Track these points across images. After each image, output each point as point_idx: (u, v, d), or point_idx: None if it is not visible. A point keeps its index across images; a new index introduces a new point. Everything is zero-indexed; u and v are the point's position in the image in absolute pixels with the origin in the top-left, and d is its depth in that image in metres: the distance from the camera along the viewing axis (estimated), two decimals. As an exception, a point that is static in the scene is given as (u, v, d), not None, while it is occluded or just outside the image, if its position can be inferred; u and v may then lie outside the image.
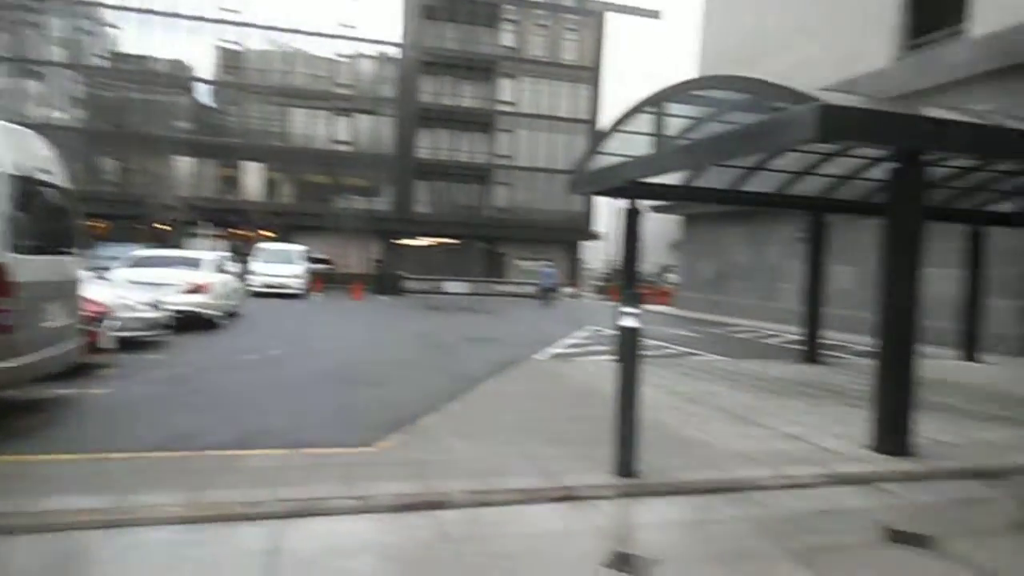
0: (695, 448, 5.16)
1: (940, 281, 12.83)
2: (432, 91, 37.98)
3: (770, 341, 14.84)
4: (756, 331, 17.06)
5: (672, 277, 31.53)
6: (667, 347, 12.72)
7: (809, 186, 9.69)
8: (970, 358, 11.45)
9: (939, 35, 14.50)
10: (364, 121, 37.13)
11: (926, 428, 5.70)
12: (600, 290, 37.12)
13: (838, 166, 8.91)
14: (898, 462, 4.92)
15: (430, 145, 38.08)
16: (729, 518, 3.82)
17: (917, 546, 3.49)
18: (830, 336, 11.76)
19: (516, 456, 4.75)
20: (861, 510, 3.98)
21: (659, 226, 36.39)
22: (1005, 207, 10.79)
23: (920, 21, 15.12)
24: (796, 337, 11.23)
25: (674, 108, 7.36)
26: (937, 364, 10.72)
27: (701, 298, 23.24)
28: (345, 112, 36.77)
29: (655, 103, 7.22)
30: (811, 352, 10.68)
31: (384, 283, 29.31)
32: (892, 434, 5.17)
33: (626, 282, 9.50)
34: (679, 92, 6.76)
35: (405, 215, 37.23)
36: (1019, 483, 4.67)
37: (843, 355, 11.77)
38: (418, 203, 37.96)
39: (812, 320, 10.80)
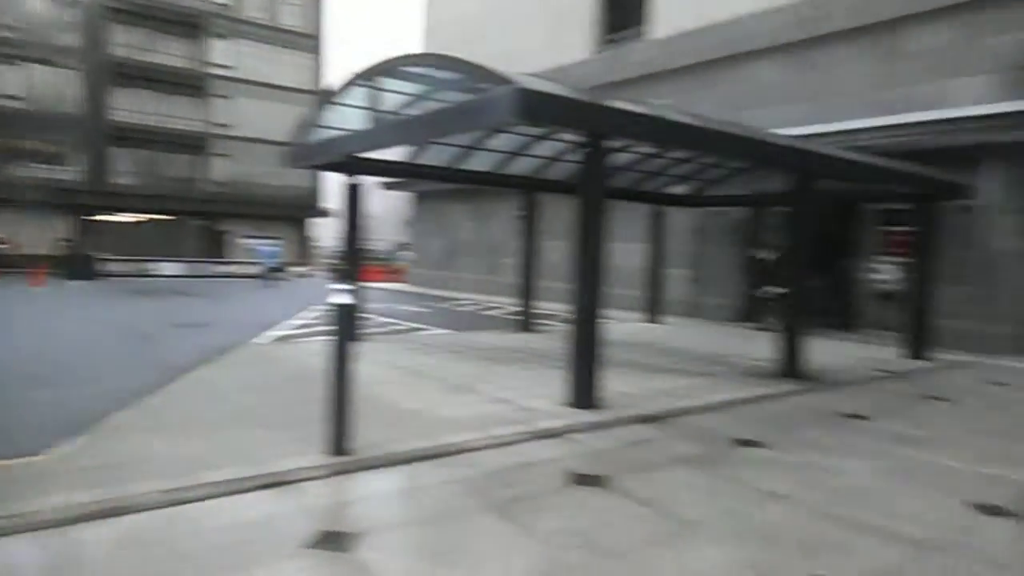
0: (412, 419, 5.26)
1: (630, 254, 14.72)
2: (127, 44, 33.29)
3: (492, 313, 15.76)
4: (481, 304, 17.99)
5: (407, 254, 31.92)
6: (395, 323, 12.83)
7: (523, 166, 10.39)
8: (653, 320, 13.31)
9: (628, 33, 16.38)
10: (39, 73, 31.34)
11: (613, 383, 6.49)
12: (332, 268, 36.19)
13: (546, 148, 9.68)
14: (588, 414, 5.52)
15: (130, 107, 33.50)
16: (438, 482, 3.96)
17: (595, 486, 3.96)
18: (545, 307, 12.82)
19: (222, 447, 4.41)
20: (553, 460, 4.40)
21: (396, 203, 36.53)
22: (680, 189, 12.65)
23: (614, 19, 16.93)
24: (515, 309, 12.06)
25: (392, 84, 7.33)
26: (627, 326, 12.29)
27: (432, 274, 23.85)
28: (9, 60, 30.63)
29: (369, 77, 7.13)
30: (526, 322, 11.56)
31: (76, 266, 25.33)
32: (584, 390, 5.79)
33: (347, 259, 9.33)
34: (392, 68, 6.75)
35: (101, 187, 32.41)
36: (679, 424, 5.52)
37: (554, 323, 12.90)
38: (118, 174, 33.29)
39: (527, 292, 11.66)
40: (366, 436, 4.44)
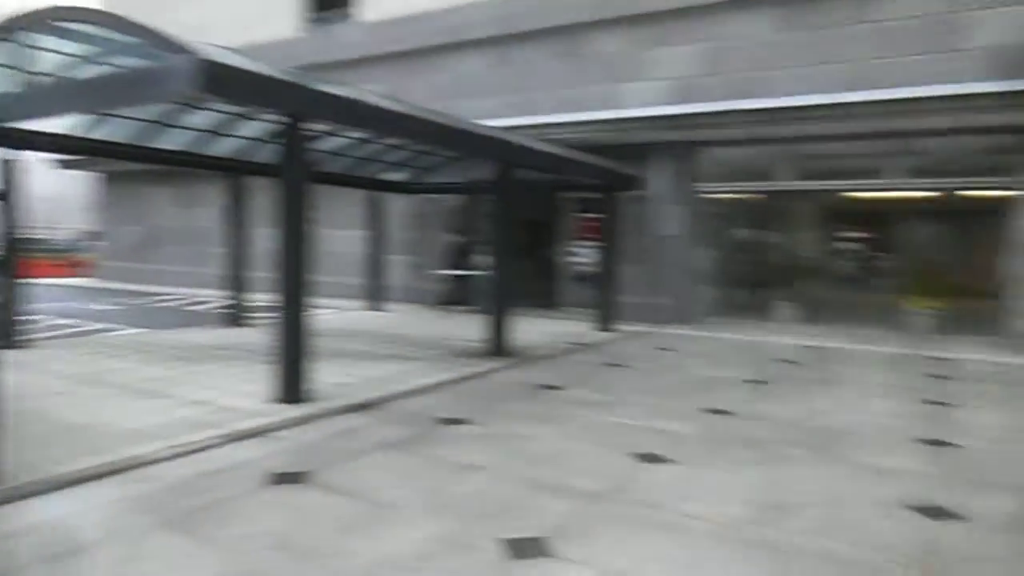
0: (84, 434, 4.54)
1: (350, 241, 14.50)
2: None
3: (198, 308, 14.40)
4: (186, 299, 16.35)
5: (96, 244, 27.71)
6: (76, 324, 11.08)
7: (227, 147, 9.57)
8: (376, 308, 13.27)
9: (338, 13, 15.93)
10: None
11: (327, 373, 6.31)
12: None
13: (252, 129, 9.02)
14: (295, 409, 5.28)
15: None
16: (107, 503, 3.46)
17: (295, 483, 3.78)
18: (259, 299, 12.04)
19: None
20: (250, 462, 4.11)
21: (79, 185, 31.43)
22: (397, 176, 12.69)
23: (321, -4, 16.31)
24: (225, 302, 11.14)
25: (48, 41, 6.20)
26: (347, 315, 12.11)
27: (128, 267, 21.06)
28: None
29: (11, 30, 5.93)
30: (236, 316, 10.76)
31: None
32: (292, 384, 5.53)
33: (3, 250, 7.79)
34: (43, 22, 5.69)
35: None
36: (390, 409, 5.54)
37: (268, 316, 12.19)
38: None
39: (237, 284, 10.85)
40: (21, 459, 3.74)
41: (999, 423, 5.56)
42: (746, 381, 7.02)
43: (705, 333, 10.74)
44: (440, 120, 7.14)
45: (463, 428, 5.00)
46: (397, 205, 14.07)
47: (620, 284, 11.35)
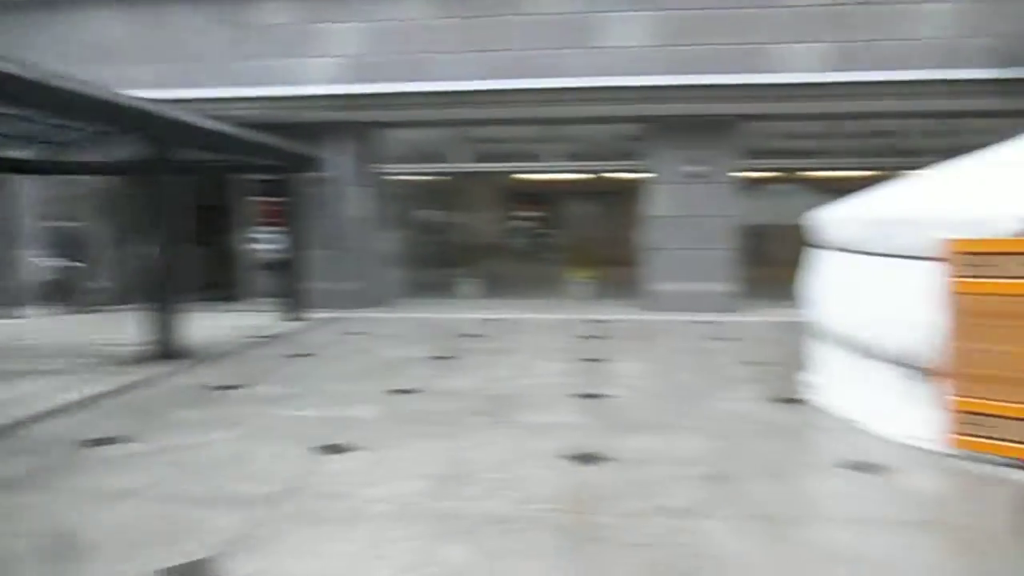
0: None
1: (-37, 235, 11.71)
2: None
3: None
4: None
5: None
6: None
7: None
8: (5, 315, 10.93)
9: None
10: None
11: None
12: None
13: None
14: None
15: None
16: None
17: None
18: None
19: None
20: None
21: None
22: (23, 153, 10.49)
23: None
24: None
25: None
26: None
27: None
28: None
29: None
30: None
31: None
32: None
33: None
34: None
35: None
36: (16, 438, 4.57)
37: None
38: None
39: None
40: None
41: (639, 372, 6.52)
42: (432, 358, 7.24)
43: (395, 315, 10.88)
44: (67, 86, 6.00)
45: (114, 448, 4.31)
46: (33, 189, 11.72)
47: (308, 270, 10.93)
